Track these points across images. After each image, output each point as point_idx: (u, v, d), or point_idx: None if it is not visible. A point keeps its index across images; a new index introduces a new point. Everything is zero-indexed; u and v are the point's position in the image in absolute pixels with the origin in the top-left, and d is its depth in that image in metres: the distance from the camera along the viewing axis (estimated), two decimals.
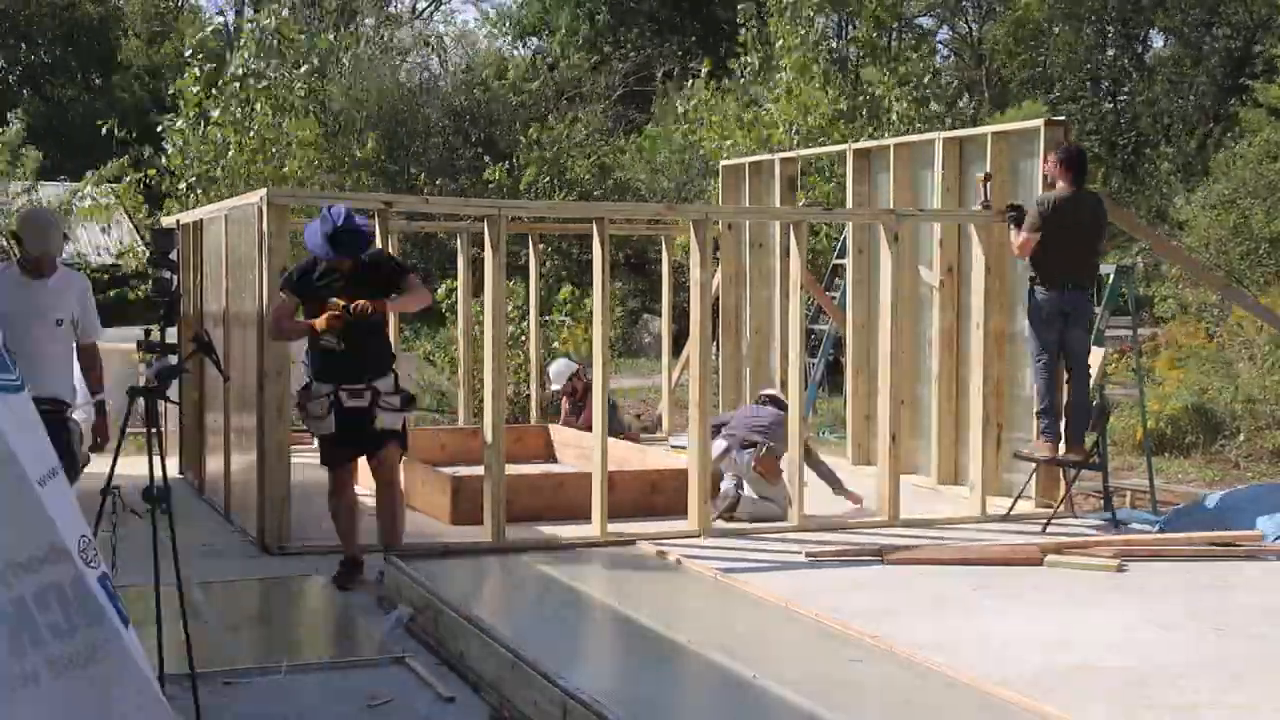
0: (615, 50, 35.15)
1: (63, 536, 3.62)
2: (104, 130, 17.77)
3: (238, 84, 17.53)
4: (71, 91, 36.04)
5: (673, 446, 12.38)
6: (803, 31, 19.30)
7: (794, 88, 18.90)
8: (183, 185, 17.20)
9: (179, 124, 17.57)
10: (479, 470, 8.87)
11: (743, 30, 20.75)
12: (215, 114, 17.27)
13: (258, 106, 17.49)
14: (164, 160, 17.70)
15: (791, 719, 5.22)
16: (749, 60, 20.75)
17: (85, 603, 3.63)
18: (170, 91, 18.39)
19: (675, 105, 24.50)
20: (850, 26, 20.10)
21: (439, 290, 15.44)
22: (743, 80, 21.05)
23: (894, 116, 19.07)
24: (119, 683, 3.70)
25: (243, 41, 18.14)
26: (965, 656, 5.88)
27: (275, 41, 18.65)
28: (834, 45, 19.91)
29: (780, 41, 19.57)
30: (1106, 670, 5.88)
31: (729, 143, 19.24)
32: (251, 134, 17.26)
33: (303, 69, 19.09)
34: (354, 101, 28.73)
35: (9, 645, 3.50)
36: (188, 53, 18.45)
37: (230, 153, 17.10)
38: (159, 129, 18.02)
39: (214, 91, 17.56)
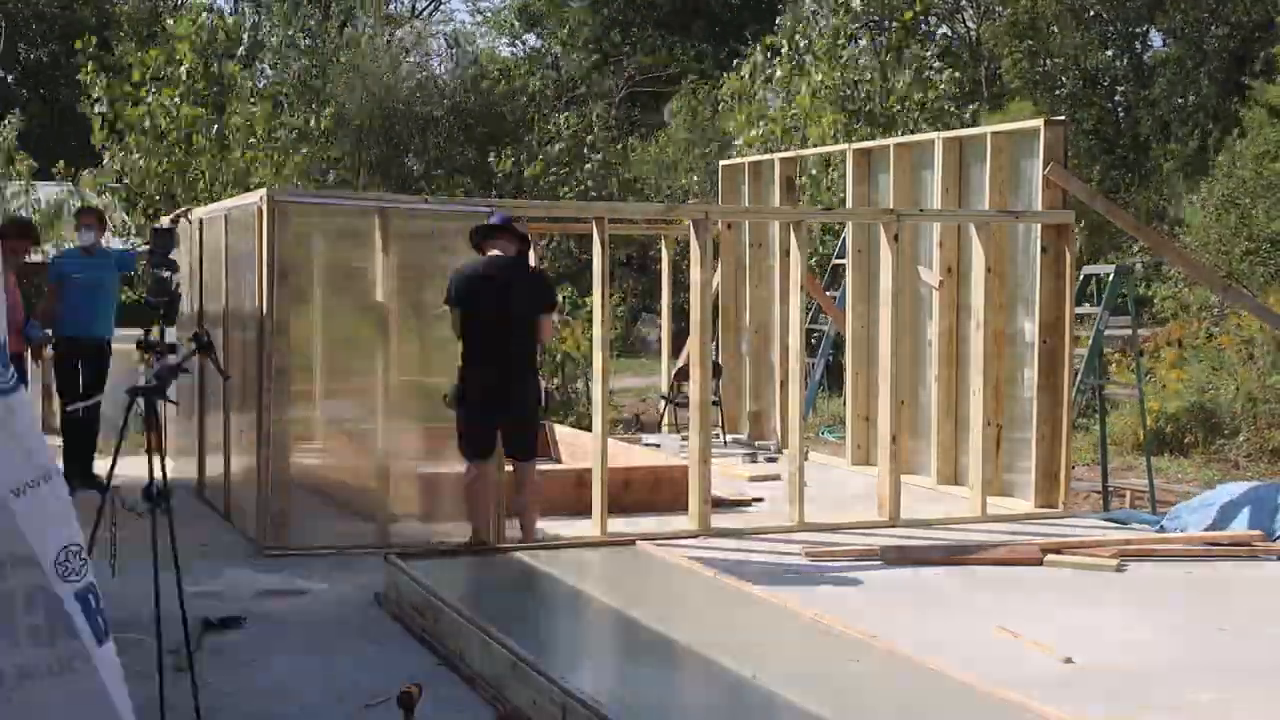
0: (621, 50, 35.05)
1: (30, 546, 3.51)
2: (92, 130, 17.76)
3: (182, 86, 17.29)
4: (70, 92, 36.04)
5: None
6: (837, 21, 19.27)
7: (822, 71, 18.81)
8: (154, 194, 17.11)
9: (127, 145, 17.33)
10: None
11: (779, 22, 20.71)
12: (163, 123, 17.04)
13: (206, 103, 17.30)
14: (125, 179, 17.56)
15: (791, 719, 5.21)
16: (780, 47, 20.64)
17: (51, 615, 3.47)
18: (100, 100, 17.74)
19: (694, 101, 24.33)
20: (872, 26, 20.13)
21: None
22: (773, 67, 20.97)
23: (914, 112, 19.02)
24: (80, 701, 3.52)
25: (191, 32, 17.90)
26: (965, 656, 5.88)
27: (222, 35, 18.50)
28: (859, 36, 19.91)
29: (809, 38, 19.56)
30: (1106, 670, 5.88)
31: (753, 131, 19.14)
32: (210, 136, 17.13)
33: (264, 64, 19.00)
34: (353, 103, 28.68)
35: None
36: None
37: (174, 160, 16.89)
38: (106, 155, 17.74)
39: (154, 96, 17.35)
